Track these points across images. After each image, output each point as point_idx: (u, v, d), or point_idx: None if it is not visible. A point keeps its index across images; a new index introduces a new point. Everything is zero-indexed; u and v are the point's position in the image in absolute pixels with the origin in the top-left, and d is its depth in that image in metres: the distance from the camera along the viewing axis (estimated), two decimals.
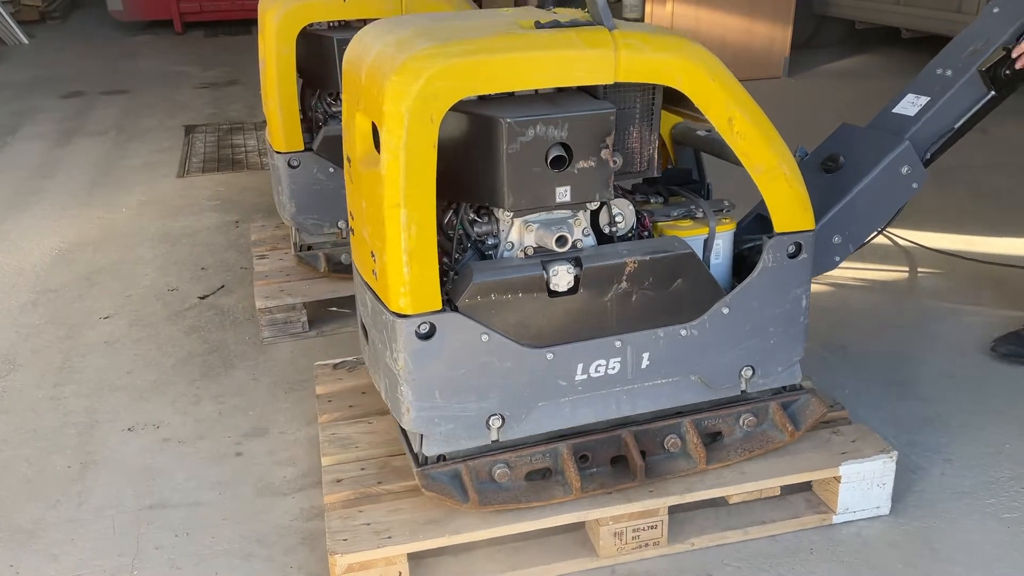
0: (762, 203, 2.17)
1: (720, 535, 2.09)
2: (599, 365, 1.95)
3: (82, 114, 6.34)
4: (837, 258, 2.31)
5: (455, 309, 1.83)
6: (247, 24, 9.40)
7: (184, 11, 9.43)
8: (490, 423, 1.92)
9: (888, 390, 2.72)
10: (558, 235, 1.86)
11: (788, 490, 2.18)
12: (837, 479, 2.10)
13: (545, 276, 1.85)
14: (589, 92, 1.88)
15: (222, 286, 3.58)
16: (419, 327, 1.80)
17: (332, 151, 3.09)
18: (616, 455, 2.06)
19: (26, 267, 3.84)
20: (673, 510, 2.06)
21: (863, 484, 2.12)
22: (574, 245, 1.90)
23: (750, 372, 2.09)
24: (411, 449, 2.02)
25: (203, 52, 8.50)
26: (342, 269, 3.22)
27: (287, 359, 3.02)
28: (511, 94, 1.83)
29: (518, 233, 1.90)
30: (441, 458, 1.96)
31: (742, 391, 2.12)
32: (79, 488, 2.41)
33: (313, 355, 3.02)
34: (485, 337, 1.85)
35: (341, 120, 3.22)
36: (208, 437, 2.62)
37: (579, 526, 2.06)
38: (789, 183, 1.99)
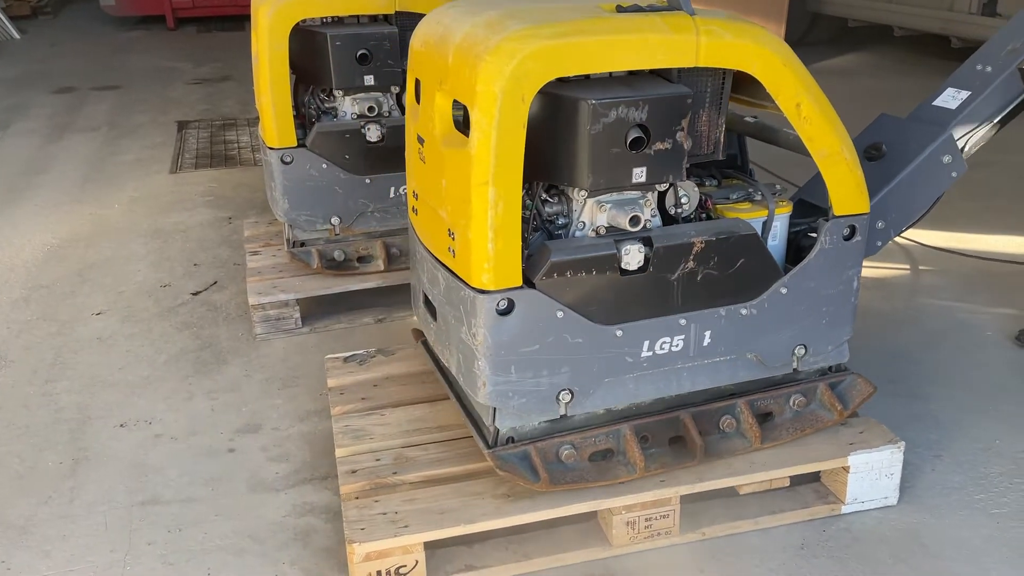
0: (804, 189, 2.28)
1: (731, 525, 2.12)
2: (664, 342, 2.01)
3: (74, 110, 6.32)
4: (879, 243, 2.37)
5: (531, 286, 1.87)
6: (240, 20, 9.37)
7: (177, 6, 9.40)
8: (560, 398, 1.97)
9: (881, 386, 2.72)
10: (632, 215, 1.91)
11: (798, 481, 2.21)
12: (846, 469, 2.14)
13: (617, 255, 1.90)
14: (662, 75, 1.93)
15: (215, 282, 3.57)
16: (499, 303, 1.85)
17: (325, 147, 3.08)
18: (673, 436, 2.11)
19: (18, 263, 3.83)
20: (684, 500, 2.08)
21: (871, 474, 2.16)
22: (644, 225, 1.95)
23: (803, 351, 2.15)
24: (479, 431, 2.06)
25: (196, 48, 8.48)
26: (335, 265, 3.21)
27: (280, 355, 3.02)
28: (587, 76, 1.87)
29: (590, 213, 1.95)
30: (510, 440, 2.01)
31: (794, 369, 2.18)
32: (71, 484, 2.41)
33: (306, 351, 3.02)
34: (560, 314, 1.90)
35: (334, 116, 3.23)
36: (201, 433, 2.62)
37: (591, 517, 2.09)
38: (850, 167, 2.05)
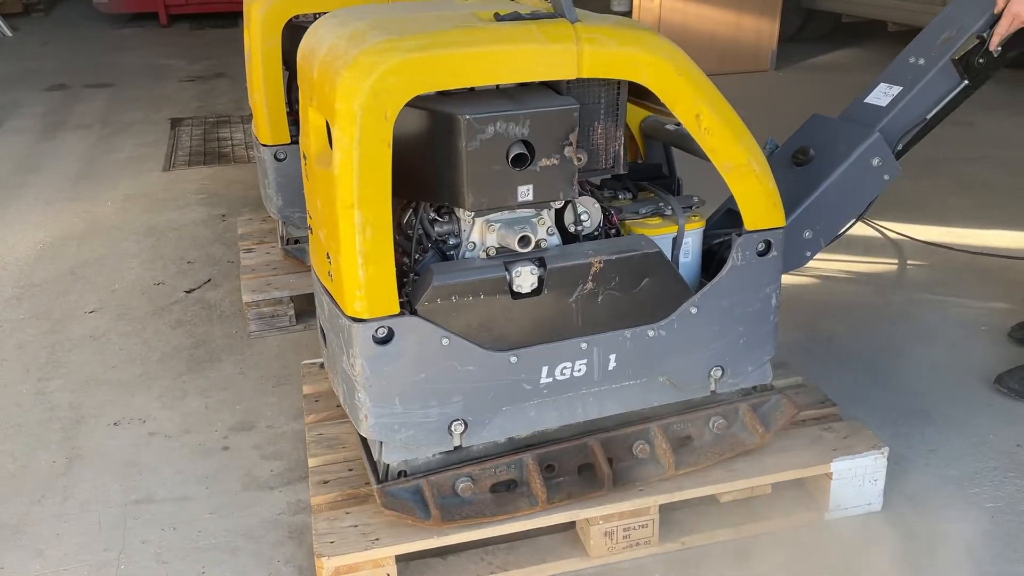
0: (732, 198, 2.14)
1: (712, 533, 2.08)
2: (565, 367, 1.90)
3: (67, 107, 6.29)
4: (808, 254, 2.26)
5: (415, 312, 1.78)
6: (233, 17, 9.33)
7: (170, 4, 9.36)
8: (452, 429, 1.86)
9: (874, 381, 2.74)
10: (521, 235, 1.80)
11: (781, 488, 2.16)
12: (829, 476, 2.09)
13: (508, 277, 1.80)
14: (552, 87, 1.83)
15: (208, 280, 3.56)
16: (376, 331, 1.74)
17: None
18: (584, 463, 2.01)
19: (10, 261, 3.81)
20: (664, 509, 2.04)
21: (855, 480, 2.11)
22: (538, 245, 1.85)
23: (719, 372, 2.04)
24: (371, 463, 1.98)
25: (189, 45, 8.45)
26: None
27: (274, 353, 3.01)
28: (472, 89, 1.77)
29: (480, 233, 1.85)
30: (402, 474, 1.91)
31: (712, 392, 2.08)
32: (64, 483, 2.40)
33: (300, 349, 3.01)
34: (446, 341, 1.79)
35: None
36: (194, 431, 2.61)
37: (570, 526, 2.05)
38: (759, 179, 1.94)
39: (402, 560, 1.94)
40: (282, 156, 3.07)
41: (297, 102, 3.28)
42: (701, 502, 2.11)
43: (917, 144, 2.34)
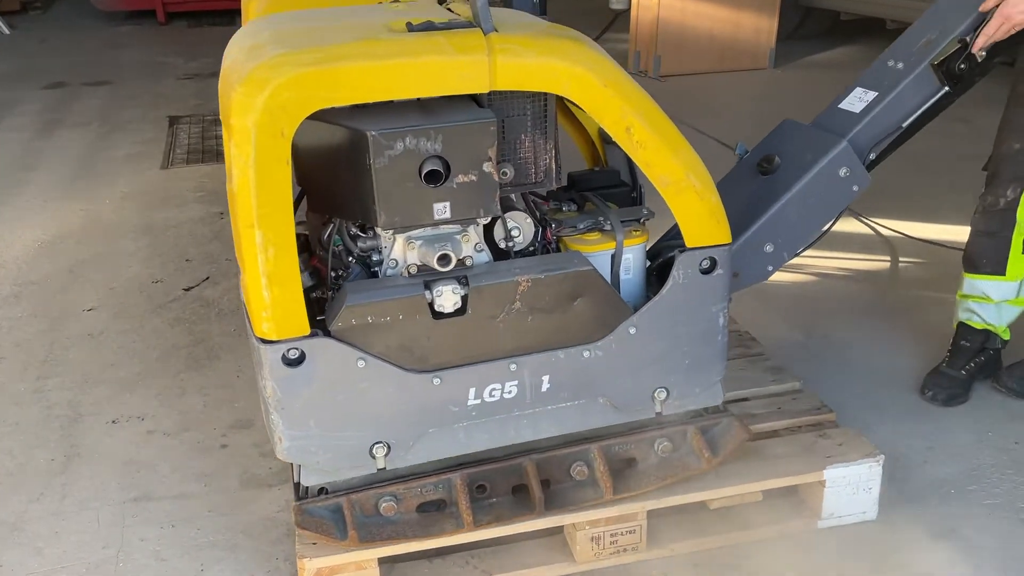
0: None
1: (700, 540, 2.06)
2: (494, 389, 1.83)
3: (64, 105, 6.28)
4: (770, 267, 2.16)
5: (328, 332, 1.72)
6: (231, 14, 9.31)
7: (167, 1, 9.33)
8: (374, 452, 1.81)
9: (871, 378, 2.74)
10: (440, 253, 1.72)
11: (774, 494, 2.12)
12: (822, 483, 2.06)
13: (428, 297, 1.73)
14: (475, 99, 1.76)
15: (207, 278, 3.56)
16: (287, 352, 1.68)
17: None
18: (518, 484, 1.95)
19: (8, 260, 3.81)
20: (652, 515, 2.01)
21: (848, 488, 2.07)
22: (462, 262, 1.77)
23: (664, 394, 1.96)
24: (293, 479, 1.93)
25: (187, 42, 8.43)
26: None
27: None
28: (389, 102, 1.68)
29: (401, 250, 1.77)
30: (323, 491, 1.86)
31: (656, 413, 2.00)
32: (63, 481, 2.40)
33: None
34: (362, 363, 1.73)
35: None
36: (193, 429, 2.61)
37: (558, 531, 2.02)
38: (699, 195, 1.84)
39: (386, 562, 1.93)
40: None
41: None
42: (690, 508, 2.08)
43: (898, 148, 2.24)
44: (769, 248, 2.14)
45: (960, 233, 3.71)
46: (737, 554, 2.06)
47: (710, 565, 2.04)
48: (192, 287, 3.49)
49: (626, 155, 2.12)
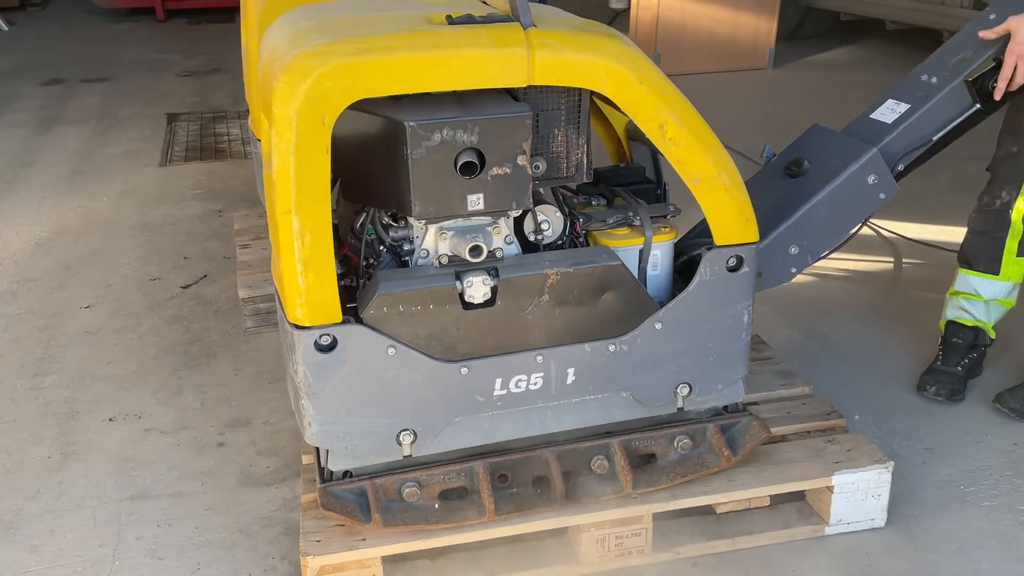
0: None
1: (707, 544, 2.04)
2: (520, 380, 1.85)
3: (63, 102, 6.27)
4: (793, 270, 2.18)
5: (360, 319, 1.73)
6: (230, 12, 9.30)
7: None
8: (401, 439, 1.82)
9: (870, 379, 2.74)
10: (472, 244, 1.74)
11: (781, 499, 2.11)
12: (830, 489, 2.05)
13: (459, 287, 1.75)
14: (511, 93, 1.78)
15: (205, 275, 3.55)
16: (319, 339, 1.71)
17: None
18: (538, 475, 1.96)
19: (5, 256, 3.80)
20: (658, 518, 2.00)
21: (857, 495, 2.06)
22: (493, 254, 1.79)
23: (687, 390, 1.98)
24: (319, 462, 1.95)
25: (186, 40, 8.42)
26: None
27: (270, 349, 3.00)
28: (427, 93, 1.70)
29: (432, 240, 1.79)
30: (347, 474, 1.88)
31: (679, 409, 2.01)
32: (59, 479, 2.39)
33: None
34: (392, 350, 1.75)
35: None
36: (190, 427, 2.60)
37: (562, 531, 2.02)
38: (729, 193, 1.86)
39: (390, 561, 1.92)
40: None
41: None
42: (697, 512, 2.07)
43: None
44: (794, 250, 2.16)
45: (958, 235, 3.71)
46: (743, 559, 2.05)
47: (715, 569, 2.03)
48: (190, 285, 3.48)
49: (651, 152, 2.17)
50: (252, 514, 2.24)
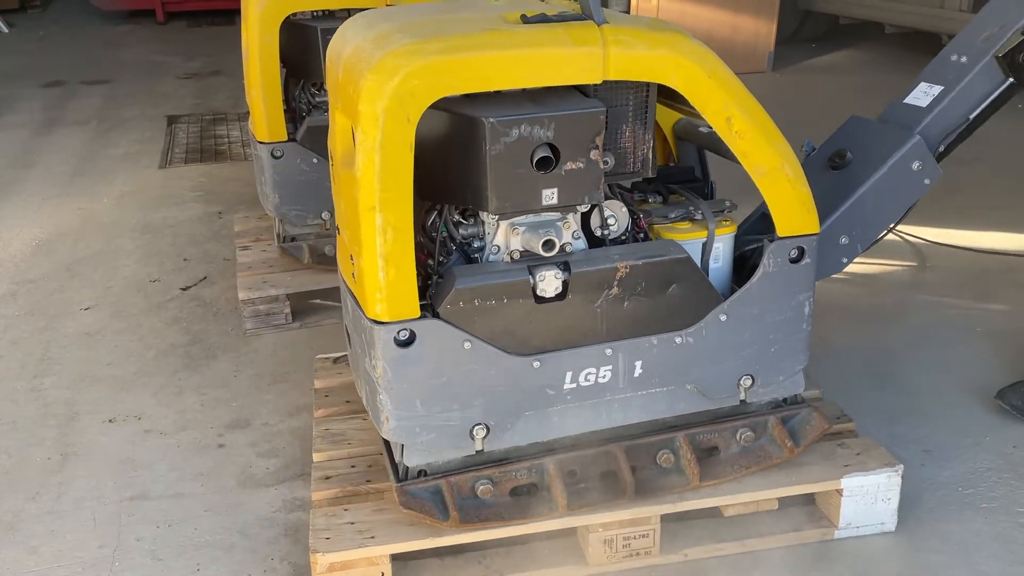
0: (766, 202, 2.13)
1: (715, 546, 2.03)
2: (589, 373, 1.88)
3: (63, 104, 6.28)
4: (844, 260, 2.22)
5: (436, 314, 1.77)
6: (230, 14, 9.31)
7: (167, 0, 9.34)
8: (474, 433, 1.85)
9: (870, 381, 2.74)
10: (545, 239, 1.78)
11: (791, 502, 2.11)
12: (839, 492, 2.04)
13: (532, 281, 1.79)
14: (580, 89, 1.81)
15: (204, 277, 3.56)
16: (398, 334, 1.74)
17: (316, 141, 3.07)
18: (606, 471, 1.98)
19: (5, 258, 3.80)
20: (666, 519, 2.00)
21: (867, 498, 2.05)
22: (563, 249, 1.83)
23: (749, 381, 2.01)
24: (392, 461, 1.97)
25: (186, 42, 8.43)
26: (326, 260, 3.20)
27: (270, 351, 3.01)
28: (498, 92, 1.76)
29: (504, 236, 1.83)
30: (422, 473, 1.90)
31: (741, 400, 2.04)
32: (59, 480, 2.40)
33: (296, 347, 3.01)
34: (468, 345, 1.78)
35: (325, 110, 3.21)
36: (190, 428, 2.60)
37: (571, 532, 2.02)
38: (792, 185, 1.91)
39: (399, 560, 1.93)
40: (279, 154, 3.07)
41: (294, 100, 3.29)
42: (705, 514, 2.07)
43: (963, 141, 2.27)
44: (844, 240, 2.20)
45: (959, 237, 3.72)
46: (752, 561, 2.05)
47: (723, 572, 2.02)
48: (190, 286, 3.48)
49: (698, 151, 2.22)
50: (252, 515, 2.24)
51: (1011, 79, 2.20)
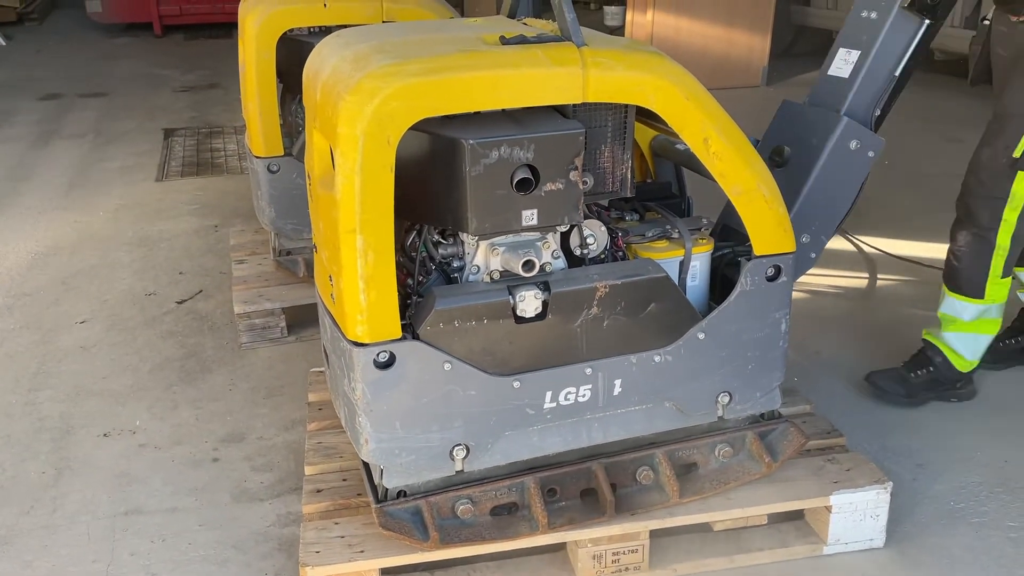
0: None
1: (704, 562, 2.04)
2: (569, 392, 1.89)
3: (60, 116, 6.29)
4: (813, 255, 2.21)
5: (416, 335, 1.77)
6: (227, 28, 9.34)
7: (164, 14, 9.37)
8: (454, 454, 1.85)
9: (861, 395, 2.75)
10: (525, 259, 1.79)
11: (779, 518, 2.12)
12: (828, 508, 2.05)
13: (512, 301, 1.79)
14: (558, 110, 1.83)
15: (200, 291, 3.56)
16: (377, 356, 1.73)
17: None
18: (586, 488, 2.00)
19: (1, 271, 3.80)
20: (655, 535, 2.01)
21: (855, 515, 2.07)
22: (542, 268, 1.84)
23: (727, 398, 2.03)
24: (371, 482, 1.96)
25: (183, 55, 8.46)
26: None
27: (265, 364, 3.01)
28: (477, 112, 1.75)
29: (484, 256, 1.83)
30: (401, 494, 1.90)
31: (719, 417, 2.06)
32: (53, 494, 2.39)
33: (292, 360, 3.02)
34: (448, 366, 1.78)
35: None
36: (185, 442, 2.61)
37: (560, 547, 2.03)
38: (769, 205, 1.92)
39: (388, 574, 1.93)
40: (275, 168, 3.08)
41: (291, 115, 3.30)
42: (694, 529, 2.08)
43: (889, 113, 2.23)
44: (806, 239, 2.18)
45: (943, 251, 3.73)
46: None
47: None
48: (185, 300, 3.49)
49: (675, 168, 2.22)
50: (246, 529, 2.24)
51: (927, 20, 2.14)
